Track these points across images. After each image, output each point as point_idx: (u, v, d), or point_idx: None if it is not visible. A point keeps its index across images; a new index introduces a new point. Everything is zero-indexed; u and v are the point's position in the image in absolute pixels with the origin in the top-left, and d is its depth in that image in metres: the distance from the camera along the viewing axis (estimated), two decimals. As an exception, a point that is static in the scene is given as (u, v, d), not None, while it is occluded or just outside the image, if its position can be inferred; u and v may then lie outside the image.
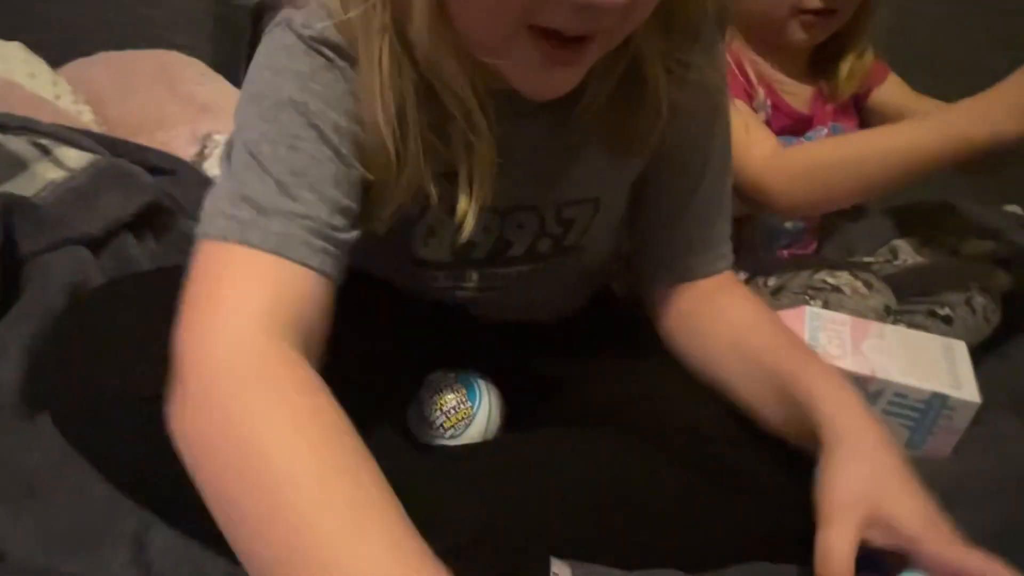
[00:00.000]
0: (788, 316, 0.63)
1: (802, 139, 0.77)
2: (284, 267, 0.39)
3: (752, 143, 0.64)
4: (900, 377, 0.57)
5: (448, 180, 0.46)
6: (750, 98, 0.74)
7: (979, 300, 0.69)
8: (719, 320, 0.55)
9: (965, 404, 0.57)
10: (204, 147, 0.91)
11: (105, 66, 1.06)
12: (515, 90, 0.44)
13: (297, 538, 0.30)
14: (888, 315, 0.65)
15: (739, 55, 0.74)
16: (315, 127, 0.42)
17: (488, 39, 0.40)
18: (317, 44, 0.43)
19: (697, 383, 0.56)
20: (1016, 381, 0.70)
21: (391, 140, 0.42)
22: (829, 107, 0.78)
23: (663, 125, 0.49)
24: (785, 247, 0.82)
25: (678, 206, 0.56)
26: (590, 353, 0.64)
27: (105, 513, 0.42)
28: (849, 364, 0.58)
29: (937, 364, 0.59)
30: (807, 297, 0.65)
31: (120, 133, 0.93)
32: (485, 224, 0.52)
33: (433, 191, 0.46)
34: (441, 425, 0.60)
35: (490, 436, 0.61)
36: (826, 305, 0.64)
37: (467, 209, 0.46)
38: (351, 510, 0.32)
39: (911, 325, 0.69)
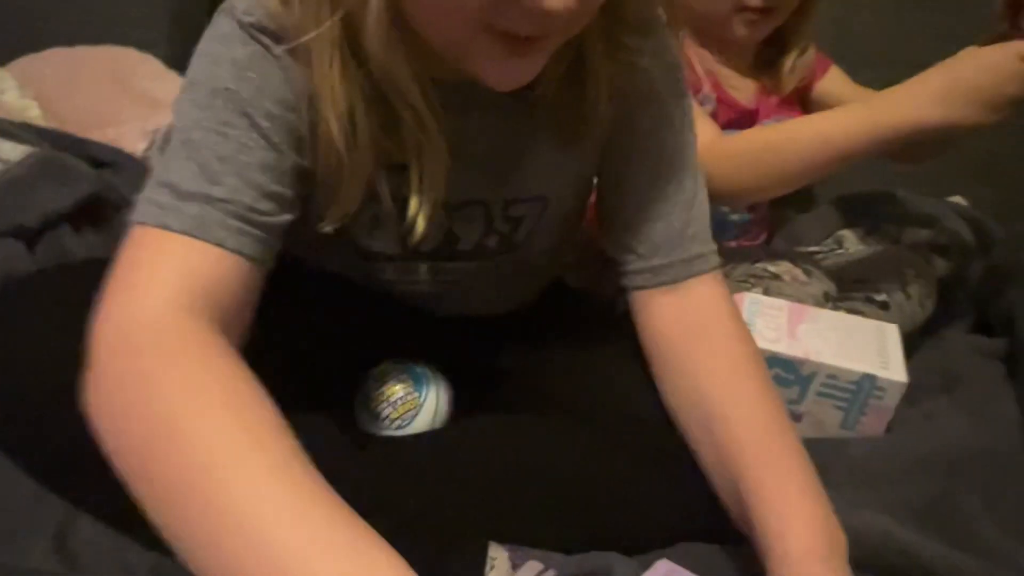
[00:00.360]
0: (728, 303, 0.65)
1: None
2: (198, 248, 0.40)
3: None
4: (832, 359, 0.59)
5: (396, 173, 0.47)
6: (696, 90, 0.75)
7: (914, 286, 0.71)
8: (705, 376, 0.51)
9: (893, 384, 0.59)
10: (154, 142, 0.91)
11: (55, 62, 1.05)
12: (465, 83, 0.45)
13: (217, 515, 0.31)
14: (827, 302, 0.67)
15: (686, 49, 0.75)
16: (247, 115, 0.43)
17: (447, 40, 0.41)
18: (256, 32, 0.44)
19: (641, 370, 0.57)
20: (948, 363, 0.73)
21: (341, 139, 0.43)
22: (773, 101, 0.80)
23: (610, 113, 0.50)
24: (733, 239, 0.83)
25: (650, 200, 0.54)
26: (539, 344, 0.65)
27: (28, 506, 0.42)
28: (784, 348, 0.60)
29: (868, 346, 0.61)
30: (748, 284, 0.67)
31: (70, 129, 0.92)
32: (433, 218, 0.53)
33: (385, 189, 0.46)
34: (388, 416, 0.61)
35: (438, 425, 0.62)
36: (766, 292, 0.66)
37: (418, 209, 0.47)
38: (268, 480, 0.32)
39: (850, 311, 0.71)
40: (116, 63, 1.07)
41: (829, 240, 0.88)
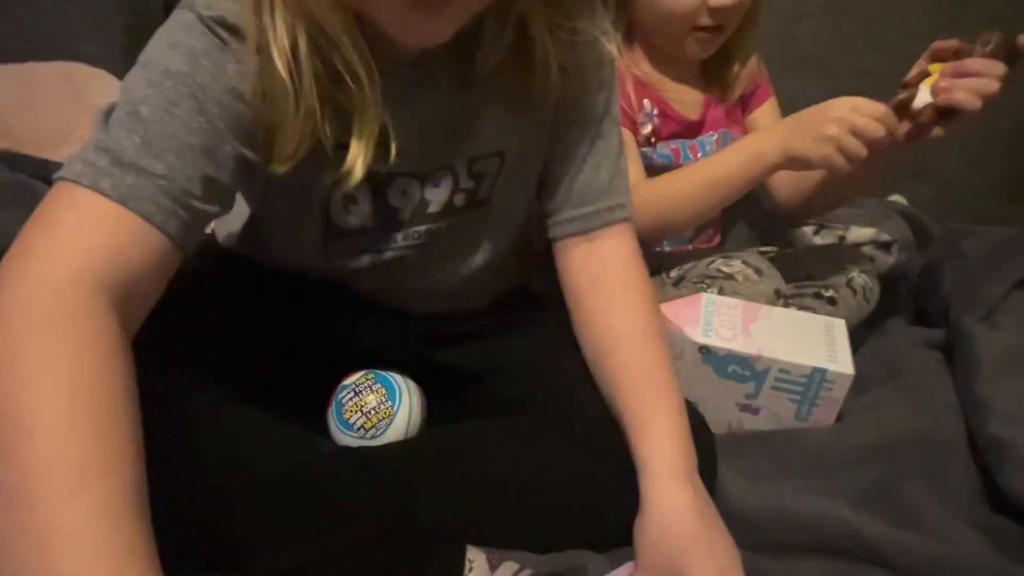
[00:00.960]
0: (685, 303, 0.67)
1: (694, 143, 0.83)
2: (126, 218, 0.40)
3: None
4: (784, 355, 0.63)
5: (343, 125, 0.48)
6: (632, 121, 0.79)
7: (859, 281, 0.75)
8: (598, 320, 0.59)
9: (841, 376, 0.62)
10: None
11: (6, 79, 1.03)
12: (418, 61, 0.49)
13: (17, 487, 0.31)
14: (779, 298, 0.70)
15: (622, 72, 0.78)
16: (196, 98, 0.44)
17: (373, 4, 0.43)
18: (214, 25, 0.45)
19: (587, 373, 0.60)
20: (892, 354, 0.77)
21: (286, 75, 0.44)
22: (720, 112, 0.84)
23: (557, 85, 0.53)
24: (689, 242, 0.87)
25: (574, 157, 0.59)
26: (507, 349, 0.67)
27: None
28: (739, 345, 0.63)
29: (817, 341, 0.65)
30: (704, 286, 0.70)
31: (26, 148, 0.91)
32: (405, 189, 0.56)
33: (327, 133, 0.48)
34: (361, 426, 0.62)
35: (412, 434, 0.63)
36: (721, 292, 0.69)
37: (357, 155, 0.49)
38: (79, 470, 0.32)
39: (801, 307, 0.74)
40: (68, 79, 1.05)
41: (780, 239, 0.92)
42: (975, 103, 0.62)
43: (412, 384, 0.65)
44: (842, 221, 0.91)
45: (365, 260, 0.59)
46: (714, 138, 0.83)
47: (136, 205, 0.41)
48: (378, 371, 0.65)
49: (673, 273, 0.75)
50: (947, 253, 0.90)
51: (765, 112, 0.87)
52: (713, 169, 0.72)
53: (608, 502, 0.54)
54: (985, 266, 0.82)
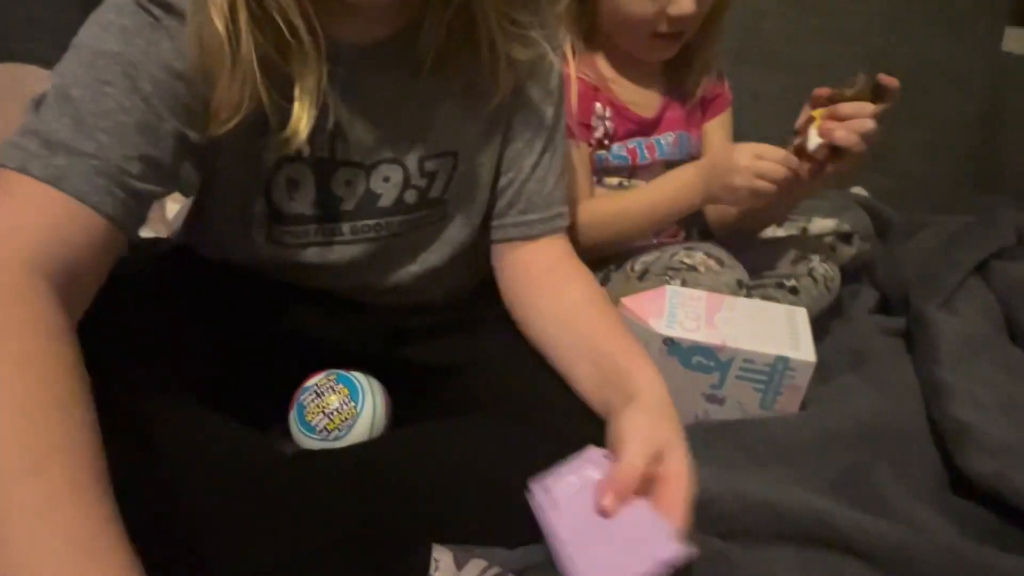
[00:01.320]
0: (650, 296, 0.67)
1: (651, 141, 0.84)
2: (58, 200, 0.40)
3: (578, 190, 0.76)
4: (747, 344, 0.63)
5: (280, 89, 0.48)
6: (585, 127, 0.80)
7: (819, 270, 0.76)
8: (555, 299, 0.60)
9: (803, 364, 0.63)
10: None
11: (-50, 81, 1.00)
12: (366, 49, 0.51)
13: None
14: (741, 289, 0.71)
15: (581, 66, 0.79)
16: (129, 76, 0.44)
17: None
18: (147, 3, 0.45)
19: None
20: (854, 342, 0.78)
21: (223, 33, 0.44)
22: (678, 113, 0.85)
23: (506, 79, 0.55)
24: (655, 235, 0.87)
25: (524, 166, 0.62)
26: (472, 343, 0.66)
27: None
28: (703, 336, 0.63)
29: (780, 330, 0.65)
30: (667, 277, 0.70)
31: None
32: (349, 179, 0.56)
33: (270, 96, 0.47)
34: (325, 428, 0.61)
35: (377, 433, 0.62)
36: (684, 283, 0.69)
37: (300, 113, 0.49)
38: (36, 452, 0.31)
39: (764, 297, 0.75)
40: (17, 80, 1.02)
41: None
42: (852, 139, 0.67)
43: (376, 384, 0.64)
44: (804, 213, 0.92)
45: (312, 253, 0.58)
46: (671, 138, 0.84)
47: (67, 185, 0.40)
48: (340, 371, 0.64)
49: (637, 266, 0.75)
50: (906, 242, 0.92)
51: (718, 124, 0.89)
52: (650, 199, 0.77)
53: None
54: (942, 254, 0.84)
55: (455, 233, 0.64)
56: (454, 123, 0.57)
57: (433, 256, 0.63)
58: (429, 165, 0.58)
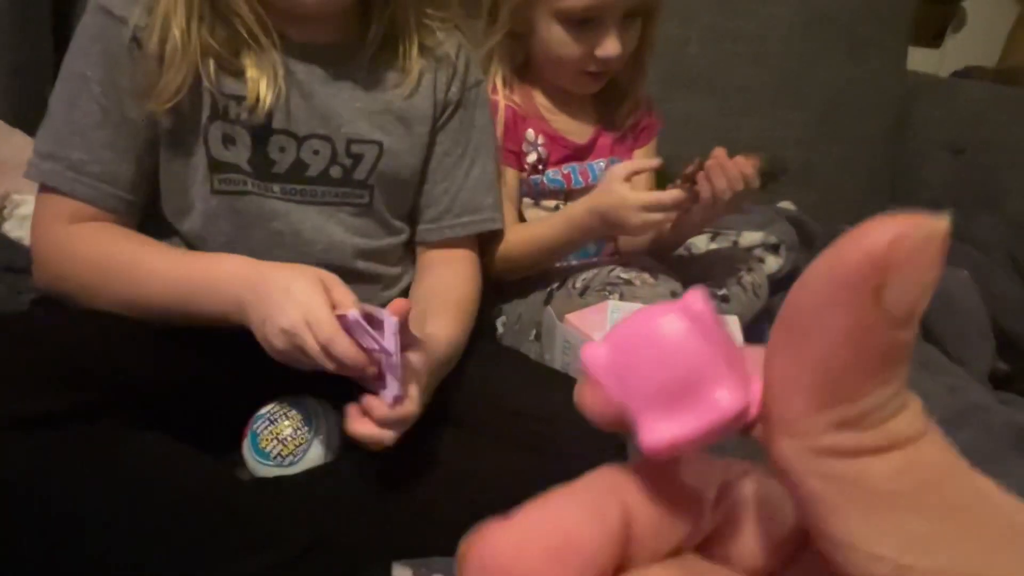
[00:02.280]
0: (592, 311, 0.71)
1: (585, 167, 0.88)
2: (55, 199, 0.59)
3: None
4: (684, 353, 0.66)
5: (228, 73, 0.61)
6: (515, 153, 0.84)
7: (748, 279, 0.81)
8: (432, 284, 0.70)
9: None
10: (3, 207, 0.86)
11: None
12: (312, 44, 0.63)
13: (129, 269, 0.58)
14: (676, 299, 0.74)
15: (496, 107, 0.83)
16: (89, 92, 0.58)
17: None
18: (106, 4, 0.58)
19: (524, 373, 0.64)
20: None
21: (177, 28, 0.57)
22: (610, 140, 0.89)
23: (417, 65, 0.67)
24: (595, 255, 0.91)
25: (456, 176, 0.72)
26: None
27: None
28: (644, 347, 0.66)
29: (715, 338, 0.69)
30: (606, 293, 0.73)
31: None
32: (282, 145, 0.64)
33: (214, 77, 0.60)
34: (279, 454, 0.61)
35: (331, 457, 0.63)
36: (622, 297, 0.72)
37: (256, 83, 0.61)
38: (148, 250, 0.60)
39: (699, 307, 0.79)
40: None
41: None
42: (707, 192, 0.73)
43: (329, 408, 0.65)
44: (734, 228, 0.97)
45: (251, 202, 0.64)
46: (603, 164, 0.88)
47: (58, 185, 0.59)
48: (293, 397, 0.64)
49: (578, 284, 0.78)
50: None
51: (645, 152, 0.93)
52: (550, 233, 0.79)
53: (543, 492, 0.55)
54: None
55: (386, 219, 0.70)
56: (380, 117, 0.67)
57: (372, 242, 0.69)
58: (356, 148, 0.66)
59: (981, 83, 1.45)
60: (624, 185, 0.72)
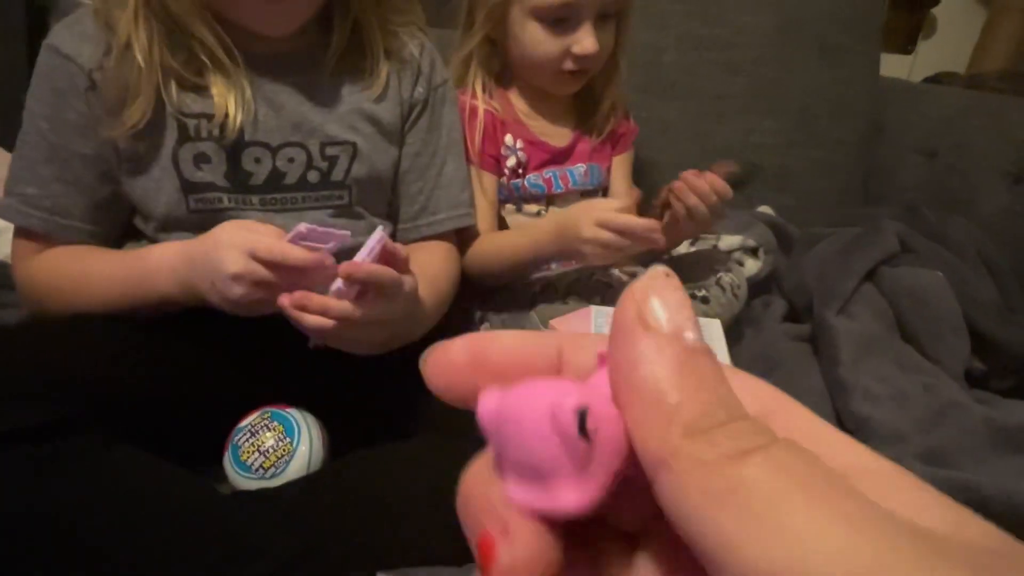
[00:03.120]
0: (576, 316, 0.71)
1: (565, 172, 0.88)
2: (19, 232, 0.63)
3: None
4: (667, 356, 0.66)
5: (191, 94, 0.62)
6: (493, 158, 0.84)
7: (726, 279, 0.82)
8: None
9: (719, 371, 0.67)
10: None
11: None
12: (278, 55, 0.63)
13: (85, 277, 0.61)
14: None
15: (475, 112, 0.84)
16: (37, 129, 0.61)
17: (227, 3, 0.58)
18: (56, 43, 0.60)
19: None
20: (766, 348, 0.84)
21: (140, 53, 0.58)
22: (588, 146, 0.90)
23: (384, 68, 0.68)
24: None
25: (429, 177, 0.74)
26: (402, 373, 0.67)
27: None
28: (626, 351, 0.67)
29: (697, 341, 0.69)
30: (589, 297, 0.74)
31: None
32: (258, 156, 0.65)
33: (176, 98, 0.61)
34: (260, 466, 0.60)
35: (314, 468, 0.62)
36: (603, 300, 0.73)
37: (224, 102, 0.62)
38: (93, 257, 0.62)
39: (680, 310, 0.79)
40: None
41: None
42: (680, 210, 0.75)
43: (311, 418, 0.65)
44: (714, 231, 0.98)
45: (231, 218, 0.63)
46: (582, 169, 0.89)
47: (14, 219, 0.63)
48: (274, 409, 0.64)
49: (561, 288, 0.79)
50: (806, 254, 0.99)
51: (623, 159, 0.94)
52: (514, 247, 0.80)
53: None
54: (837, 264, 0.91)
55: (365, 217, 0.71)
56: (351, 118, 0.68)
57: (353, 241, 0.67)
58: (330, 151, 0.67)
59: (952, 88, 1.48)
60: (597, 210, 0.73)
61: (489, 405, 0.14)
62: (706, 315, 0.78)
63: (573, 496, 0.13)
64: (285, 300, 0.51)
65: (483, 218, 0.81)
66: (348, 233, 0.54)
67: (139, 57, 0.57)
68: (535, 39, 0.80)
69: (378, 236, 0.53)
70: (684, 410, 0.12)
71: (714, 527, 0.11)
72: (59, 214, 0.62)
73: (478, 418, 0.14)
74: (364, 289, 0.52)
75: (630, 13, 0.83)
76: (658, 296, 0.12)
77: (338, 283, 0.51)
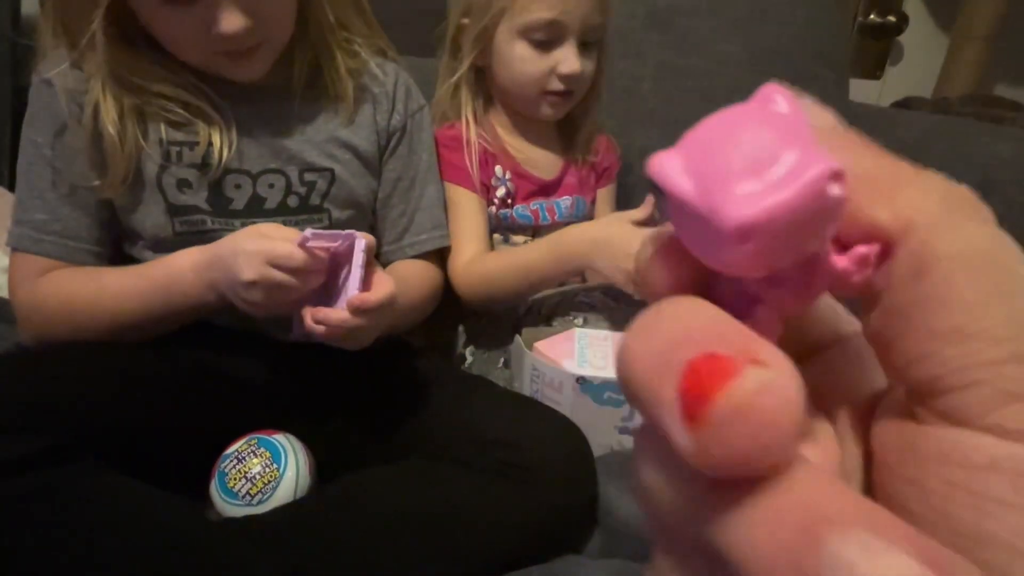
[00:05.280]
0: (560, 339, 0.72)
1: (552, 204, 0.90)
2: (27, 258, 0.63)
3: (459, 250, 0.82)
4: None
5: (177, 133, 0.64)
6: (485, 187, 0.85)
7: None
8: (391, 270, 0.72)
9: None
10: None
11: None
12: (253, 89, 0.65)
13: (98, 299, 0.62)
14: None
15: (466, 141, 0.85)
16: (42, 156, 0.62)
17: (194, 60, 0.62)
18: (48, 77, 0.61)
19: (487, 402, 0.65)
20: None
21: (116, 137, 0.61)
22: (575, 177, 0.92)
23: (348, 85, 0.70)
24: (561, 284, 0.92)
25: (410, 199, 0.76)
26: (392, 397, 0.68)
27: None
28: (611, 373, 0.68)
29: (679, 360, 0.70)
30: (571, 317, 0.75)
31: None
32: (238, 183, 0.67)
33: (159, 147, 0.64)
34: (247, 493, 0.60)
35: (301, 494, 0.62)
36: (586, 321, 0.74)
37: (219, 144, 0.64)
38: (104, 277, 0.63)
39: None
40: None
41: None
42: None
43: (298, 444, 0.65)
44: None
45: (214, 239, 0.63)
46: (568, 202, 0.90)
47: (26, 247, 0.63)
48: (261, 435, 0.64)
49: (544, 310, 0.80)
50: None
51: (608, 191, 0.96)
52: (527, 262, 0.80)
53: (513, 522, 0.55)
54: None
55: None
56: (328, 146, 0.70)
57: None
58: (308, 176, 0.70)
59: (919, 113, 1.53)
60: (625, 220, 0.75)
61: (668, 155, 0.11)
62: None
63: (818, 163, 0.10)
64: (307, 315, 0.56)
65: (479, 240, 0.82)
66: (353, 232, 0.56)
67: (109, 128, 0.60)
68: (522, 58, 0.82)
69: (361, 247, 0.56)
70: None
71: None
72: (69, 237, 0.63)
73: (659, 174, 0.11)
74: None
75: (606, 40, 0.86)
76: None
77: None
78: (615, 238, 0.74)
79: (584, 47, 0.82)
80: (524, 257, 0.80)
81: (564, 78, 0.82)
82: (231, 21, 0.58)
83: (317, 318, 0.54)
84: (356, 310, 0.54)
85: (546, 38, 0.80)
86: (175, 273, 0.61)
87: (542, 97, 0.84)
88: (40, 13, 0.64)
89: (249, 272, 0.54)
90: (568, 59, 0.80)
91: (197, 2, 0.57)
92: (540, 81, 0.82)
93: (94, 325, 0.61)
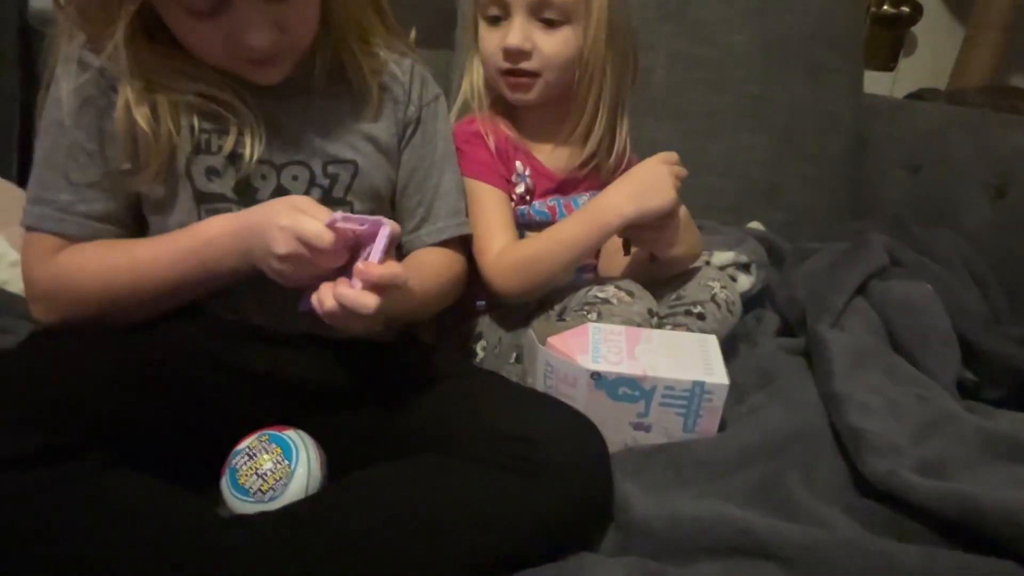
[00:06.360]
0: (573, 334, 0.71)
1: (569, 200, 0.88)
2: (45, 239, 0.63)
3: (489, 244, 0.80)
4: (667, 373, 0.67)
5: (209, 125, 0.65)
6: (506, 181, 0.84)
7: (721, 296, 0.82)
8: (411, 258, 0.76)
9: (718, 386, 0.68)
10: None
11: None
12: (277, 85, 0.66)
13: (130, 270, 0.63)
14: (652, 317, 0.75)
15: (486, 131, 0.84)
16: (69, 137, 0.62)
17: (218, 64, 0.63)
18: (77, 55, 0.62)
19: (499, 396, 0.65)
20: (762, 363, 0.84)
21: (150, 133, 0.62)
22: (592, 176, 0.89)
23: (370, 82, 0.71)
24: (580, 276, 0.91)
25: (427, 188, 0.77)
26: (402, 393, 0.67)
27: None
28: (626, 368, 0.67)
29: (695, 357, 0.70)
30: (584, 312, 0.74)
31: None
32: (264, 173, 0.67)
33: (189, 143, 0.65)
34: (259, 490, 0.60)
35: (313, 490, 0.62)
36: (600, 316, 0.73)
37: (243, 146, 0.65)
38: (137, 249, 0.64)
39: (675, 323, 0.80)
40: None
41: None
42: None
43: (309, 440, 0.64)
44: (706, 248, 0.99)
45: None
46: (585, 198, 0.88)
47: (45, 226, 0.63)
48: (272, 431, 0.63)
49: (556, 307, 0.79)
50: (798, 269, 1.00)
51: None
52: (565, 235, 0.77)
53: (523, 514, 0.55)
54: (828, 278, 0.92)
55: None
56: (351, 138, 0.71)
57: None
58: (332, 169, 0.70)
59: (934, 104, 1.51)
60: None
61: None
62: (703, 331, 0.79)
63: None
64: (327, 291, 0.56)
65: (506, 231, 0.81)
66: (381, 218, 0.58)
67: (142, 124, 0.61)
68: (482, 36, 0.82)
69: (386, 233, 0.57)
70: None
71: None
72: (95, 218, 0.64)
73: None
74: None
75: (580, 19, 0.80)
76: None
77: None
78: (638, 176, 0.75)
79: (549, 25, 0.79)
80: (560, 233, 0.78)
81: (506, 53, 0.80)
82: (259, 36, 0.59)
83: (336, 292, 0.55)
84: (362, 276, 0.55)
85: (497, 13, 0.80)
86: (209, 239, 0.62)
87: (501, 78, 0.83)
88: (54, 8, 0.63)
89: (283, 246, 0.56)
90: (509, 36, 0.79)
91: (224, 15, 0.57)
92: (494, 58, 0.82)
93: (127, 296, 0.62)
